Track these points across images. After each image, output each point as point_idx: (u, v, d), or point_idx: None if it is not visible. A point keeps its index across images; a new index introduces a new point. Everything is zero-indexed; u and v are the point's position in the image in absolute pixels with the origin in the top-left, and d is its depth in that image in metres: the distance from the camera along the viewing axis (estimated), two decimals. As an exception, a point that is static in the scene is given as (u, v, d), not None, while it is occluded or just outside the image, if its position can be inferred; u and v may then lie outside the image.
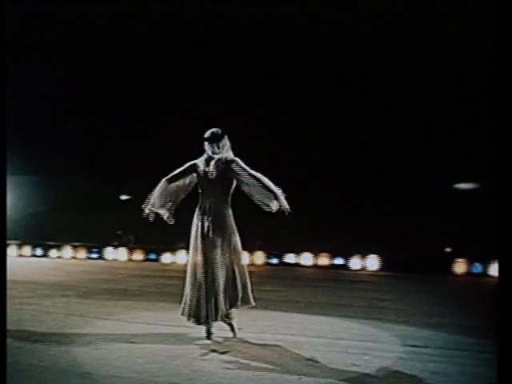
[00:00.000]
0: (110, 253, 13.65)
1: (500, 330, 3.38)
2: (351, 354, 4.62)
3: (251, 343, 4.93)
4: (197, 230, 5.13)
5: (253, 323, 5.30)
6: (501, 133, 3.57)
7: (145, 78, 13.44)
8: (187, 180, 5.32)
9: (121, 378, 3.91)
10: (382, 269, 11.60)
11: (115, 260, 13.40)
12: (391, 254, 11.62)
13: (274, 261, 12.41)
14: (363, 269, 11.75)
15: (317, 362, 4.40)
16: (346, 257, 11.95)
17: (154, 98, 13.57)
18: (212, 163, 5.16)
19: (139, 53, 13.25)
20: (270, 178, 5.02)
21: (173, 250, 13.06)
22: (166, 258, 13.10)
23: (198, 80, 12.61)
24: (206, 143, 5.22)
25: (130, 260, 13.38)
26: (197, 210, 5.22)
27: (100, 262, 13.21)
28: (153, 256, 13.28)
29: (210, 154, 5.20)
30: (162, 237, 13.34)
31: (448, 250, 12.08)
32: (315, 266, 12.09)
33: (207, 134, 5.23)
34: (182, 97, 13.19)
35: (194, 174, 5.26)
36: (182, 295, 5.11)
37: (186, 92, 13.02)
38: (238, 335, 5.10)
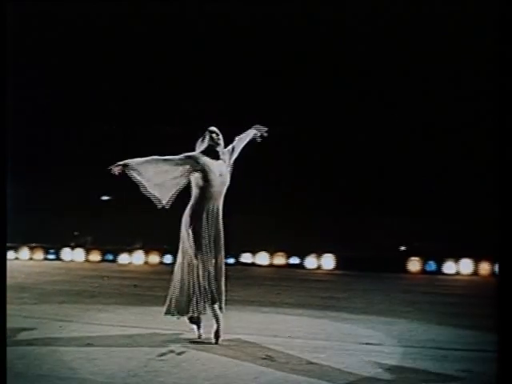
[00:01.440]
0: (67, 254, 13.52)
1: (500, 330, 3.38)
2: (307, 353, 4.66)
3: (207, 343, 4.94)
4: None
5: (209, 323, 5.30)
6: (501, 133, 3.57)
7: (145, 78, 13.43)
8: None
9: (77, 380, 3.90)
10: (337, 267, 11.64)
11: (72, 261, 13.32)
12: (347, 253, 11.63)
13: (231, 260, 12.35)
14: (319, 268, 11.79)
15: (273, 361, 4.43)
16: (302, 256, 11.95)
17: (154, 97, 13.56)
18: None
19: (139, 53, 13.24)
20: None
21: (130, 250, 13.08)
22: (123, 258, 13.08)
23: (198, 80, 12.60)
24: None
25: (86, 261, 13.30)
26: None
27: (57, 263, 13.13)
28: (110, 257, 13.22)
29: None
30: (118, 237, 13.34)
31: (402, 248, 12.12)
32: (271, 266, 12.11)
33: None
34: (182, 97, 13.18)
35: None
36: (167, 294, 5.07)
37: (186, 92, 13.01)
38: (193, 335, 5.09)
